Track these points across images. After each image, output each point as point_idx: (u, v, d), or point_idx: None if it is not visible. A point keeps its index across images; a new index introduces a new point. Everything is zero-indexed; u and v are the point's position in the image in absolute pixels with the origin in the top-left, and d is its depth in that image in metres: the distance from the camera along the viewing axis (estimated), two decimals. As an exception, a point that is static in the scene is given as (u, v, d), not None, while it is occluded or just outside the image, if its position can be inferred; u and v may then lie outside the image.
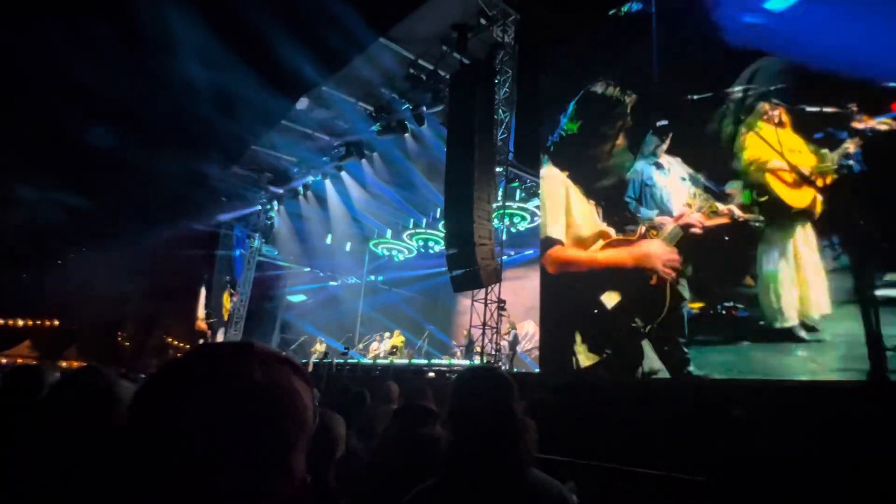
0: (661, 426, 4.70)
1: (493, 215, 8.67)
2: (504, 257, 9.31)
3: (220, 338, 16.11)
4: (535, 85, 9.60)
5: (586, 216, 7.97)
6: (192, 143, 13.86)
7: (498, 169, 9.19)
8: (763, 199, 5.90)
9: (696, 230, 6.47)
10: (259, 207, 16.90)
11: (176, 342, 23.50)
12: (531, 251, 12.66)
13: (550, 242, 8.38)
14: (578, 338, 7.50)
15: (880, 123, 5.15)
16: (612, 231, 7.53)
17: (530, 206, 11.91)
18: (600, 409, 5.65)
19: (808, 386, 5.03)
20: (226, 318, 16.55)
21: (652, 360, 6.53)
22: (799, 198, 5.65)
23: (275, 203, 16.67)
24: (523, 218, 12.65)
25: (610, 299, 7.20)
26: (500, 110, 9.55)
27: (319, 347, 14.18)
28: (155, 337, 22.56)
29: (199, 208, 16.56)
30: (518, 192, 11.50)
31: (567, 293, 8.01)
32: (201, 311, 16.72)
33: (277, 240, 17.67)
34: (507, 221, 11.10)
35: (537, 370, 9.13)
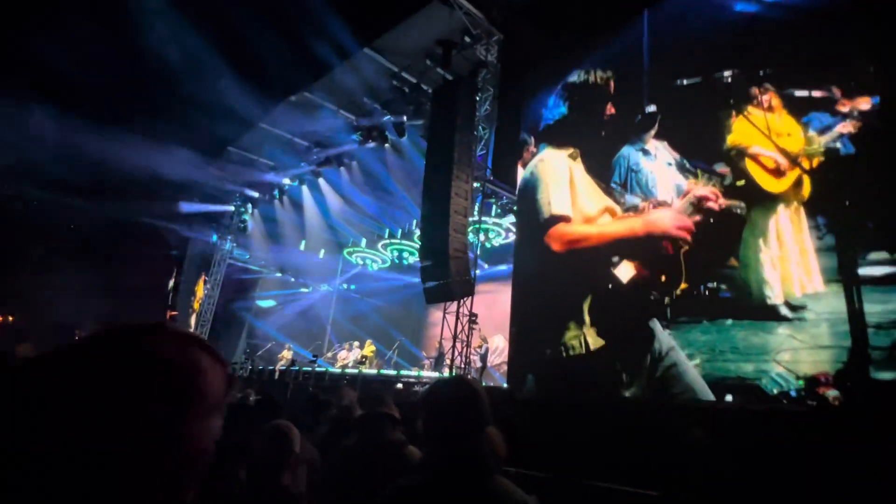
0: (622, 442, 4.79)
1: (469, 229, 8.76)
2: (477, 271, 9.39)
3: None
4: (517, 103, 9.78)
5: (591, 192, 7.69)
6: (166, 141, 13.59)
7: (475, 184, 9.31)
8: (740, 182, 6.02)
9: (713, 204, 6.27)
10: (232, 209, 16.64)
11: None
12: (505, 266, 12.79)
13: (555, 220, 8.03)
14: (588, 319, 7.12)
15: (863, 106, 5.32)
16: (617, 208, 7.31)
17: (505, 222, 12.06)
18: (564, 424, 5.72)
19: (771, 411, 5.09)
20: (196, 307, 16.09)
21: (661, 338, 6.32)
22: (776, 183, 5.77)
23: (249, 206, 16.45)
24: (498, 233, 12.79)
25: (625, 273, 6.87)
26: (480, 126, 9.71)
27: (287, 354, 13.95)
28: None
29: (170, 206, 16.18)
30: (494, 207, 11.63)
31: (572, 271, 7.59)
32: (168, 298, 16.22)
33: (250, 243, 17.41)
34: (482, 236, 11.21)
35: (505, 385, 9.17)
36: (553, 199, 8.19)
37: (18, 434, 0.54)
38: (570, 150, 8.22)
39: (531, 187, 8.73)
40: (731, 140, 6.32)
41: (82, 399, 0.55)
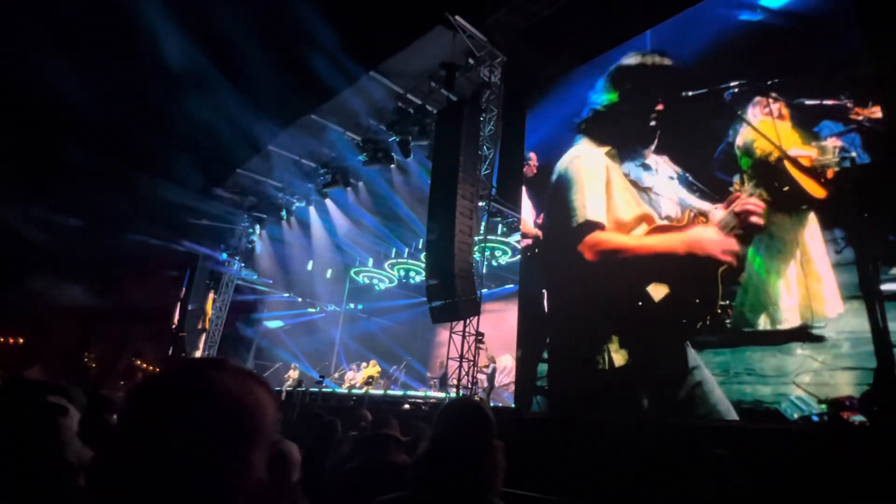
0: (639, 464, 4.71)
1: (475, 248, 8.78)
2: (484, 290, 9.37)
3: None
4: (520, 122, 9.90)
5: (627, 196, 7.22)
6: (175, 164, 13.86)
7: (480, 203, 9.36)
8: (786, 188, 5.66)
9: (757, 219, 5.81)
10: (241, 230, 16.80)
11: (146, 365, 22.76)
12: (511, 285, 12.76)
13: (590, 226, 7.52)
14: (616, 338, 6.76)
15: (876, 114, 5.12)
16: (655, 216, 6.85)
17: (511, 240, 12.08)
18: (574, 445, 5.63)
19: (792, 430, 4.89)
20: (207, 326, 16.10)
21: (688, 356, 5.93)
22: (819, 188, 5.46)
23: (257, 227, 16.60)
24: (504, 252, 12.79)
25: (657, 291, 6.46)
26: (485, 146, 9.80)
27: (293, 375, 13.91)
28: (124, 359, 21.86)
29: (179, 229, 16.38)
30: (500, 226, 11.67)
31: (603, 284, 7.14)
32: (177, 319, 16.23)
33: (257, 264, 17.52)
34: (487, 255, 11.22)
35: (513, 405, 9.07)
36: (589, 203, 7.64)
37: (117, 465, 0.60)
38: (608, 148, 7.69)
39: (564, 186, 8.16)
40: (760, 147, 6.07)
41: (171, 434, 0.60)
